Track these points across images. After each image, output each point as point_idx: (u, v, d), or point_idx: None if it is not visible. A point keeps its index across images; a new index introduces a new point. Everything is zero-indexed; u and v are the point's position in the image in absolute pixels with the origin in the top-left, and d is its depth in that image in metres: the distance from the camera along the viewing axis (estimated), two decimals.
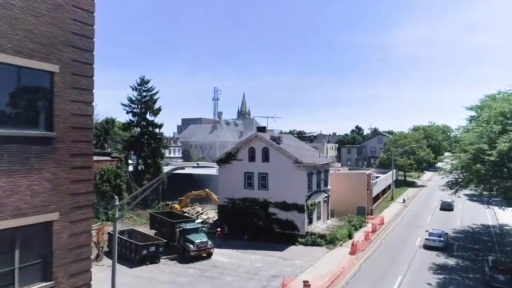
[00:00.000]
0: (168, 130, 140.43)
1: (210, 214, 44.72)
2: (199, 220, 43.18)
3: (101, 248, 30.89)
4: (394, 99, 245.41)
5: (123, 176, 47.82)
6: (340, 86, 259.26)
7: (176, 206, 47.32)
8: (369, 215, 45.74)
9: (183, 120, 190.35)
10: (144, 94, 60.59)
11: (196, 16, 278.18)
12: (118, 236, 31.54)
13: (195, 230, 32.03)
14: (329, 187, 42.17)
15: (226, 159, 40.14)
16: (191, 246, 30.44)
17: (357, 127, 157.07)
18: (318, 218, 38.86)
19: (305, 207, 35.77)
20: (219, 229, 36.41)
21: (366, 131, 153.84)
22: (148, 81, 60.63)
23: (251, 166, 38.51)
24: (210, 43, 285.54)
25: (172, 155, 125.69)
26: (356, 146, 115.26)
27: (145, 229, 38.90)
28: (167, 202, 50.75)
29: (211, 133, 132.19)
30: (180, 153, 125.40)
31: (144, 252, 29.46)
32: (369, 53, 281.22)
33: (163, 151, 62.03)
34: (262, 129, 40.88)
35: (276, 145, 36.90)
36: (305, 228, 35.74)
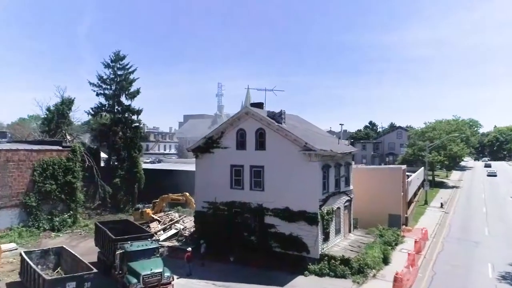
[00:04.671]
0: (165, 125, 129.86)
1: (188, 223, 33.01)
2: (170, 232, 31.53)
3: None
4: (401, 98, 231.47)
5: (77, 171, 36.28)
6: (347, 86, 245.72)
7: (148, 211, 35.85)
8: (404, 226, 33.60)
9: (185, 117, 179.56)
10: (120, 72, 49.09)
11: (204, 15, 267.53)
12: (26, 261, 20.53)
13: (145, 254, 20.32)
14: (351, 187, 30.12)
15: (205, 147, 28.35)
16: (134, 280, 18.76)
17: (370, 122, 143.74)
18: (337, 231, 26.86)
19: (319, 217, 23.84)
20: (189, 248, 24.59)
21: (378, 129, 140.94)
22: (124, 57, 49.09)
23: (240, 156, 26.72)
24: (215, 41, 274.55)
25: (167, 151, 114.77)
26: (372, 142, 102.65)
27: (91, 245, 27.50)
28: (138, 205, 39.18)
29: (210, 128, 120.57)
30: (175, 149, 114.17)
31: None
32: (374, 53, 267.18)
33: (140, 143, 50.27)
34: (257, 105, 28.94)
35: (276, 124, 25.02)
36: (318, 248, 23.80)
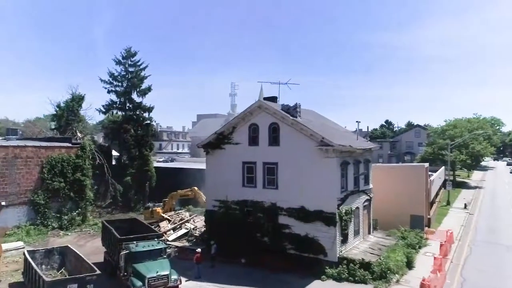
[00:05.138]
0: (179, 125, 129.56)
1: (199, 222, 31.77)
2: (180, 232, 30.36)
3: None
4: (417, 97, 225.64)
5: (86, 168, 35.46)
6: (360, 85, 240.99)
7: (158, 209, 34.82)
8: (427, 228, 31.58)
9: (198, 116, 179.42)
10: (131, 69, 48.30)
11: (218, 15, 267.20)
12: (29, 261, 19.55)
13: (151, 255, 19.09)
14: (370, 185, 28.33)
15: (216, 143, 27.02)
16: (138, 284, 17.54)
17: (387, 121, 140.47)
18: (356, 233, 25.14)
19: (337, 217, 22.19)
20: (198, 249, 23.27)
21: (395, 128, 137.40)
22: (135, 53, 48.34)
23: (253, 153, 25.29)
24: (228, 40, 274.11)
25: (180, 150, 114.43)
26: (389, 141, 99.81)
27: (99, 245, 26.52)
28: (149, 204, 38.18)
29: None
30: (188, 149, 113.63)
31: None
32: (386, 51, 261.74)
33: (152, 141, 49.36)
34: (271, 99, 27.42)
35: (291, 118, 23.48)
36: (336, 250, 22.16)
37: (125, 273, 18.85)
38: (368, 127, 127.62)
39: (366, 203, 27.14)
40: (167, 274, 18.12)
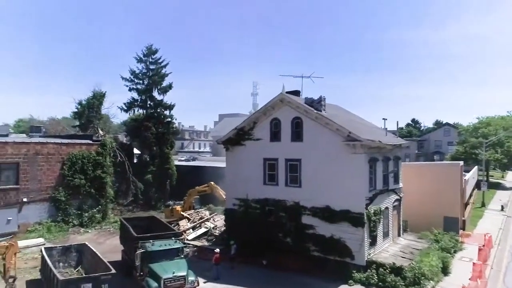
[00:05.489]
0: (200, 125, 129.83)
1: (219, 221, 30.84)
2: (200, 231, 29.51)
3: (11, 280, 18.05)
4: (443, 96, 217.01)
5: (107, 166, 35.23)
6: (381, 84, 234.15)
7: (178, 208, 34.20)
8: (462, 230, 29.40)
9: (220, 116, 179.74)
10: (152, 67, 48.11)
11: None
12: (45, 259, 19.09)
13: (168, 255, 18.20)
14: (400, 184, 26.54)
15: (236, 139, 25.97)
16: (154, 285, 16.67)
17: (413, 120, 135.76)
18: (385, 235, 23.46)
19: (365, 218, 20.66)
20: (217, 249, 22.25)
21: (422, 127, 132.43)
22: (156, 51, 48.08)
23: (275, 149, 24.07)
24: (249, 39, 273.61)
25: (202, 149, 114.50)
26: (416, 140, 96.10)
27: (118, 243, 25.99)
28: (169, 202, 37.62)
29: None
30: (210, 148, 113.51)
31: None
32: (411, 50, 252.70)
33: (172, 139, 48.96)
34: (294, 93, 26.05)
35: (315, 112, 22.10)
36: (364, 253, 20.62)
37: (141, 273, 18.05)
38: (398, 122, 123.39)
39: (396, 203, 25.39)
40: (184, 275, 17.18)
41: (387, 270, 19.49)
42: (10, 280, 17.92)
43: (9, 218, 28.31)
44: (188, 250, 24.99)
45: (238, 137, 25.74)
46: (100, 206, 34.21)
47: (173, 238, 19.66)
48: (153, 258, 17.81)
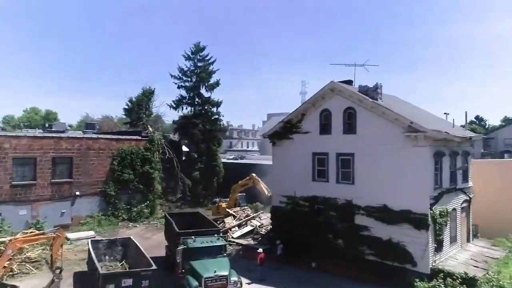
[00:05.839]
0: (248, 124, 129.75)
1: (265, 220, 29.51)
2: (246, 229, 28.40)
3: (57, 271, 18.10)
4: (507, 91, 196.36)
5: (155, 161, 35.46)
6: (440, 81, 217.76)
7: (224, 205, 33.51)
8: None
9: (269, 115, 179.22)
10: (200, 64, 48.23)
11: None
12: (90, 251, 19.05)
13: (209, 252, 17.18)
14: (470, 183, 23.36)
15: (283, 133, 24.45)
16: (194, 283, 15.70)
17: (477, 117, 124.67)
18: (453, 240, 20.61)
19: (430, 219, 18.14)
20: (260, 249, 20.86)
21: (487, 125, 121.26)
22: (203, 48, 48.13)
23: (324, 142, 22.22)
24: (298, 38, 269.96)
25: (250, 148, 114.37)
26: (482, 138, 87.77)
27: (163, 238, 25.69)
28: (215, 199, 37.12)
29: None
30: (257, 147, 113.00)
31: None
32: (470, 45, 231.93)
33: (220, 136, 48.66)
34: (346, 83, 23.99)
35: (370, 101, 19.95)
36: (428, 259, 18.11)
37: (182, 270, 17.21)
38: (466, 113, 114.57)
39: (464, 205, 22.37)
40: (226, 275, 16.04)
41: (457, 281, 16.81)
42: (57, 271, 17.96)
43: (63, 211, 29.24)
44: (231, 248, 24.00)
45: (285, 130, 24.22)
46: (148, 202, 34.50)
47: (215, 235, 18.64)
48: (194, 255, 16.90)
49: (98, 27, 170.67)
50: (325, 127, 22.30)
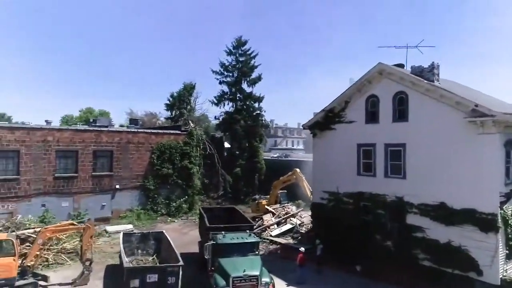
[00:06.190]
0: (293, 122, 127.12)
1: (306, 218, 27.56)
2: (285, 227, 26.69)
3: (88, 263, 17.69)
4: None
5: (194, 156, 34.87)
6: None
7: (263, 202, 32.15)
8: None
9: (315, 114, 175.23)
10: (241, 59, 47.31)
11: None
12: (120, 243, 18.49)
13: (240, 250, 15.70)
14: None
15: (325, 123, 22.39)
16: (222, 283, 14.30)
17: None
18: None
19: (500, 220, 15.23)
20: (302, 248, 18.99)
21: None
22: (245, 42, 47.24)
23: (371, 132, 19.88)
24: (345, 37, 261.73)
25: (295, 146, 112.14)
26: None
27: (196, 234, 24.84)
28: (255, 196, 35.86)
29: None
30: (303, 145, 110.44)
31: (135, 284, 14.70)
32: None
33: (262, 131, 47.33)
34: (397, 66, 21.35)
35: (426, 82, 17.33)
36: (498, 268, 15.19)
37: (212, 268, 15.93)
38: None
39: None
40: (256, 275, 14.46)
41: None
42: (87, 263, 17.56)
43: (103, 204, 29.46)
44: (269, 247, 22.41)
45: (327, 120, 22.16)
46: (187, 197, 33.99)
47: (247, 231, 17.16)
48: (223, 251, 15.52)
49: (141, 28, 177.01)
50: (372, 115, 19.96)
